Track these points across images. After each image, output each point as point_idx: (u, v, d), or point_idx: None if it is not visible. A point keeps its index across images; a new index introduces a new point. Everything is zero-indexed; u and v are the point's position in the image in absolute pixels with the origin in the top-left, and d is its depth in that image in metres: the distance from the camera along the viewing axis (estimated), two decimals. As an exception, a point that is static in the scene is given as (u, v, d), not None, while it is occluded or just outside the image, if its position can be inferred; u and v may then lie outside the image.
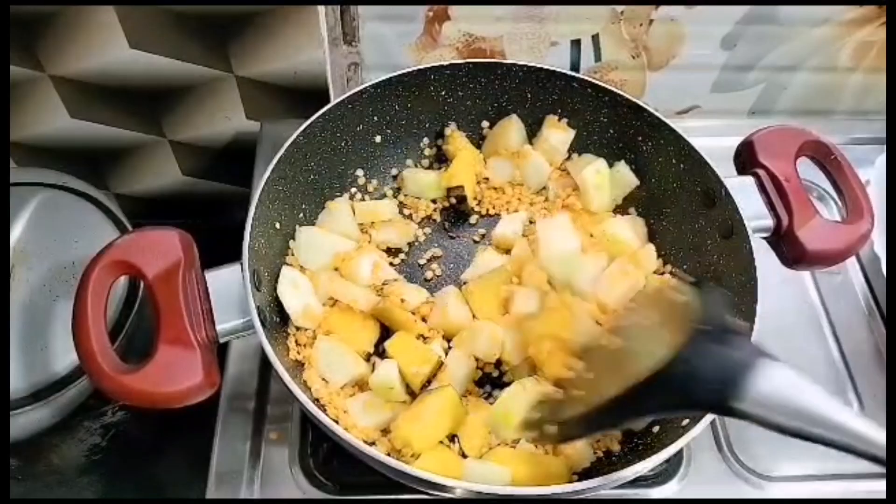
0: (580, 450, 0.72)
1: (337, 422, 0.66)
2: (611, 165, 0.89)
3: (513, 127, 0.91)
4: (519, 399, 0.74)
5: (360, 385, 0.76)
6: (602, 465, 0.73)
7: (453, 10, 1.02)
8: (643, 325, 0.62)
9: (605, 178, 0.87)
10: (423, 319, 0.80)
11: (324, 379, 0.74)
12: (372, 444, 0.71)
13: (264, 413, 0.84)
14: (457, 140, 0.91)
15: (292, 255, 0.81)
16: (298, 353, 0.76)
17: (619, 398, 0.56)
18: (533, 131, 0.92)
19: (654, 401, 0.55)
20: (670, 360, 0.53)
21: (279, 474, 0.79)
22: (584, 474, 0.72)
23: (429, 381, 0.77)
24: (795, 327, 0.93)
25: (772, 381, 0.51)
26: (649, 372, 0.54)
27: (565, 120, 0.90)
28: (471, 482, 0.63)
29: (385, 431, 0.73)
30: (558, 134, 0.90)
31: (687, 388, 0.53)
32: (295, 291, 0.76)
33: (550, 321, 0.74)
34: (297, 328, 0.77)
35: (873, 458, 0.48)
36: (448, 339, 0.79)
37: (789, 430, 0.51)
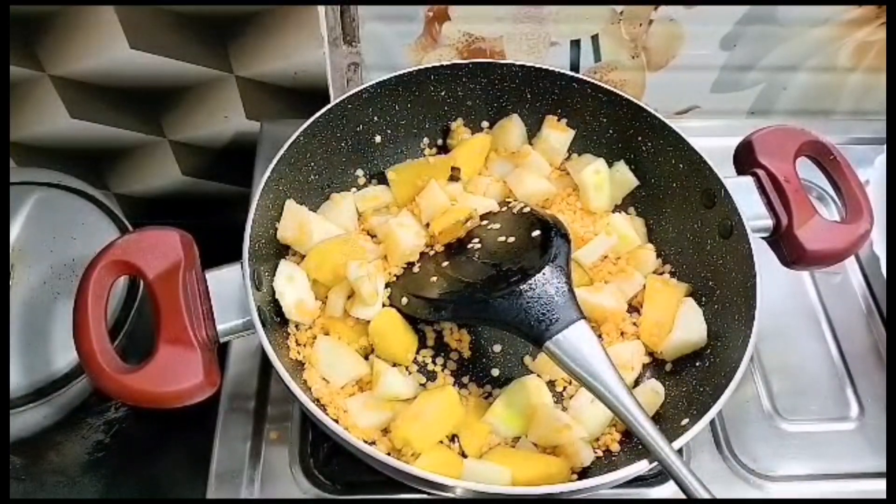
0: (580, 450, 0.72)
1: (337, 421, 0.66)
2: (610, 165, 0.89)
3: (513, 127, 0.91)
4: (519, 397, 0.74)
5: (361, 385, 0.76)
6: (602, 465, 0.73)
7: (453, 10, 1.02)
8: (507, 242, 0.76)
9: (604, 179, 0.87)
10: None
11: (324, 379, 0.74)
12: (372, 443, 0.71)
13: (264, 413, 0.84)
14: (462, 135, 0.91)
15: (293, 253, 0.81)
16: (298, 353, 0.76)
17: (462, 297, 0.72)
18: (533, 131, 0.92)
19: (487, 314, 0.69)
20: (515, 288, 0.67)
21: (279, 474, 0.79)
22: (584, 474, 0.72)
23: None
24: (795, 327, 0.94)
25: (577, 339, 0.65)
26: (496, 292, 0.68)
27: (565, 120, 0.90)
28: (471, 482, 0.63)
29: (385, 431, 0.73)
30: (558, 134, 0.90)
31: (516, 317, 0.67)
32: (290, 285, 0.75)
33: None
34: (297, 327, 0.77)
35: (619, 416, 0.63)
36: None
37: (577, 378, 0.64)
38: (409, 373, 0.78)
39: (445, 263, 0.79)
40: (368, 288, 0.74)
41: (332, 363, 0.75)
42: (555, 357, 0.65)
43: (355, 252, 0.78)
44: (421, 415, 0.71)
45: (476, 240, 0.79)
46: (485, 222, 0.82)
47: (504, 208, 0.84)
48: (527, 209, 0.81)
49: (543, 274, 0.68)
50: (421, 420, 0.71)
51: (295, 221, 0.79)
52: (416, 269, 0.80)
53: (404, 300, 0.76)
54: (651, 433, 0.61)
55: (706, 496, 0.59)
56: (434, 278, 0.77)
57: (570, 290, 0.68)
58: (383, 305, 0.78)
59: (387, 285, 0.79)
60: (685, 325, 0.78)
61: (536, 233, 0.75)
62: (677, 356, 0.79)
